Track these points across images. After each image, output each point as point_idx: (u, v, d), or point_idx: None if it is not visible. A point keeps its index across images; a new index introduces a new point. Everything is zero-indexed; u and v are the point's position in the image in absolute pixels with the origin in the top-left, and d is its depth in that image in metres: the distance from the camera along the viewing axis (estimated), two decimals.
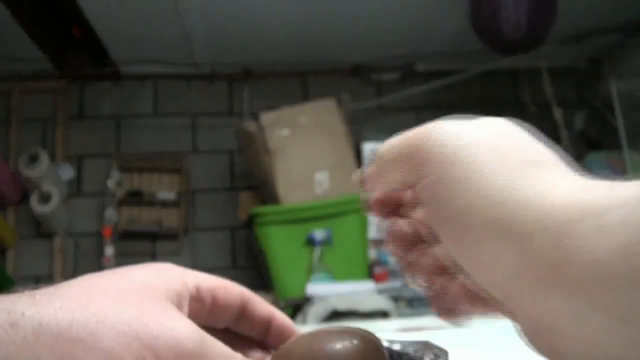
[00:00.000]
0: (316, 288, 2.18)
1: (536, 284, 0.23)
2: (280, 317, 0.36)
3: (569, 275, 0.22)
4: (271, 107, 2.54)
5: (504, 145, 0.29)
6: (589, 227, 0.22)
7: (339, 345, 0.32)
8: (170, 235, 2.87)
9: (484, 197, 0.26)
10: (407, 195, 0.33)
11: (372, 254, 2.49)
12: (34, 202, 2.66)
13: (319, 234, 2.32)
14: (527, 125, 0.32)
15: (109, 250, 2.75)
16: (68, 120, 2.97)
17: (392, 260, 2.30)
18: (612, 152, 2.61)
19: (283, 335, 0.36)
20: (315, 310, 2.04)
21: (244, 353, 0.34)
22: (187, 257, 2.85)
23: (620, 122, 2.53)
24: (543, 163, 0.28)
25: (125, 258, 2.75)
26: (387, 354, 0.33)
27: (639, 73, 2.72)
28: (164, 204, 2.89)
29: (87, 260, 2.83)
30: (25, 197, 2.77)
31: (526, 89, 2.42)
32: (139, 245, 2.87)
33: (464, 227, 0.26)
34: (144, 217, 2.89)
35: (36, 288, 0.27)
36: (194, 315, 0.31)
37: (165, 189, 2.92)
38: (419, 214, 0.32)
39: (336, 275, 2.28)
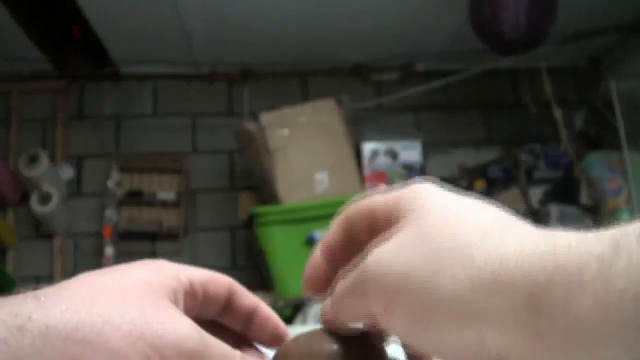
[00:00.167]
0: None
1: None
2: (265, 310, 0.36)
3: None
4: (271, 107, 2.54)
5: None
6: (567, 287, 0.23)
7: (338, 345, 0.32)
8: (170, 235, 2.87)
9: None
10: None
11: None
12: (34, 203, 2.66)
13: (319, 234, 2.32)
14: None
15: (109, 251, 2.75)
16: (68, 121, 2.97)
17: None
18: (612, 152, 2.61)
19: (264, 328, 0.36)
20: (315, 310, 2.04)
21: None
22: (187, 257, 2.85)
23: (620, 122, 2.53)
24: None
25: (125, 258, 2.74)
26: (385, 353, 0.33)
27: (639, 73, 2.72)
28: (164, 204, 2.89)
29: (87, 260, 2.83)
30: (25, 197, 2.77)
31: (526, 89, 2.42)
32: (139, 245, 2.87)
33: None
34: (144, 217, 2.89)
35: (37, 288, 0.27)
36: (187, 310, 0.31)
37: (165, 189, 2.92)
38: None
39: None
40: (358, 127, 2.84)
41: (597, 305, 0.21)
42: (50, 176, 2.70)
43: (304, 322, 2.03)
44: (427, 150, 3.00)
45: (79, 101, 3.03)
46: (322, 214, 2.35)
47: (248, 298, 0.36)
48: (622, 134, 2.51)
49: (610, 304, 0.21)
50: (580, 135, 2.87)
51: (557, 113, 2.29)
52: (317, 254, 0.36)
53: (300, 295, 2.24)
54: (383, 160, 2.87)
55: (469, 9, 2.26)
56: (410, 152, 2.89)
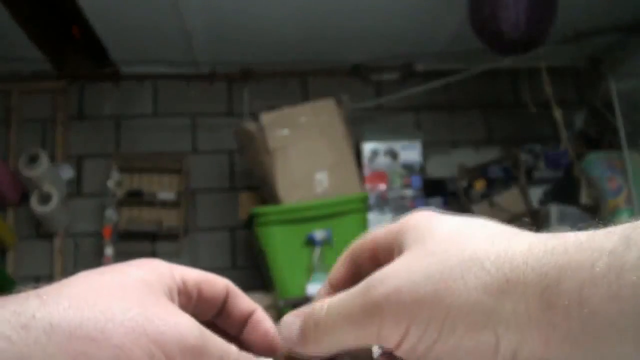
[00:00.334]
0: (316, 288, 2.18)
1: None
2: (260, 314, 0.36)
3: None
4: (271, 107, 2.54)
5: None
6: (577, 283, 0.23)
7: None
8: (170, 235, 2.87)
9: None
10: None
11: None
12: (34, 203, 2.66)
13: (319, 234, 2.32)
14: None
15: (109, 251, 2.75)
16: (68, 121, 2.97)
17: None
18: (612, 152, 2.61)
19: (257, 333, 0.36)
20: None
21: None
22: (187, 258, 2.85)
23: (620, 122, 2.53)
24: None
25: (125, 258, 2.70)
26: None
27: (639, 73, 2.72)
28: (164, 204, 2.89)
29: (87, 260, 2.83)
30: (25, 197, 2.77)
31: (526, 89, 2.42)
32: (139, 245, 2.87)
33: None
34: (144, 217, 2.89)
35: (37, 287, 0.27)
36: (182, 308, 0.31)
37: (165, 189, 2.92)
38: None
39: None
40: (358, 127, 2.84)
41: (611, 300, 0.21)
42: (50, 176, 2.70)
43: None
44: (427, 150, 3.00)
45: (79, 101, 3.03)
46: (322, 214, 2.35)
47: (244, 301, 0.36)
48: (622, 134, 2.51)
49: (624, 297, 0.21)
50: (580, 135, 2.87)
51: (557, 113, 2.29)
52: (321, 291, 0.36)
53: (300, 295, 2.24)
54: (383, 160, 2.87)
55: (469, 9, 2.26)
56: (410, 152, 2.89)
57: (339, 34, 2.73)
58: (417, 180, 2.87)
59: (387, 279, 0.28)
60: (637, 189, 2.47)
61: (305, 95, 3.07)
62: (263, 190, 2.60)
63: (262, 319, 0.36)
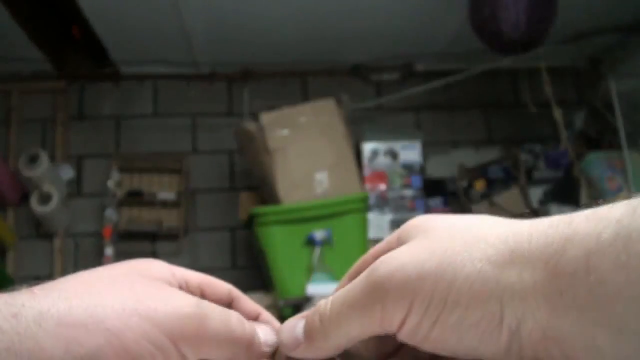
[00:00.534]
0: (316, 288, 2.18)
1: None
2: (267, 316, 0.36)
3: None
4: (271, 107, 2.54)
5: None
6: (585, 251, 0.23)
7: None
8: (170, 235, 2.87)
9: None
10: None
11: None
12: (34, 202, 2.66)
13: (319, 234, 2.32)
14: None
15: (109, 251, 2.75)
16: (68, 121, 2.97)
17: None
18: (612, 152, 2.61)
19: None
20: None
21: None
22: (187, 257, 2.85)
23: (620, 122, 2.53)
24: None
25: (125, 258, 2.70)
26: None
27: (639, 73, 2.72)
28: (164, 204, 2.89)
29: (87, 260, 2.83)
30: (25, 197, 2.77)
31: (526, 89, 2.42)
32: (139, 245, 2.87)
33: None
34: (144, 217, 2.89)
35: (34, 285, 0.28)
36: None
37: (165, 189, 2.92)
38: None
39: (336, 275, 2.28)
40: (358, 127, 2.84)
41: (619, 269, 0.21)
42: (50, 176, 2.70)
43: None
44: (427, 150, 3.00)
45: (79, 101, 3.03)
46: (322, 214, 2.35)
47: (249, 304, 0.36)
48: (622, 134, 2.51)
49: (632, 267, 0.21)
50: (580, 135, 2.87)
51: (557, 113, 2.29)
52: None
53: (300, 295, 2.24)
54: (383, 160, 2.87)
55: (469, 9, 2.26)
56: (410, 152, 2.89)
57: (339, 34, 2.73)
58: (417, 180, 2.87)
59: (390, 260, 0.27)
60: (637, 189, 2.47)
61: (305, 95, 3.07)
62: (263, 190, 2.60)
63: (269, 319, 0.36)
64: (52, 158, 2.84)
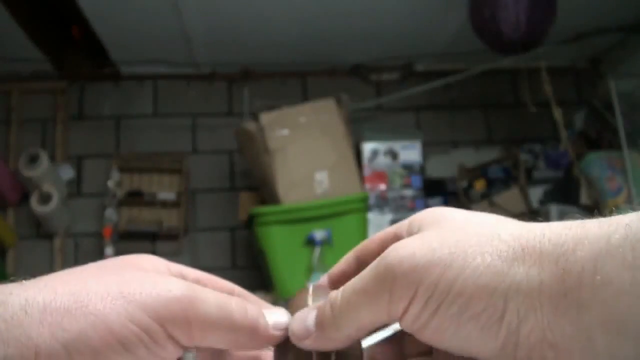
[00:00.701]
0: None
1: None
2: (271, 307, 0.36)
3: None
4: (271, 107, 2.54)
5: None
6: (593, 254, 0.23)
7: None
8: (170, 235, 2.87)
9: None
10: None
11: None
12: (34, 203, 2.66)
13: (319, 234, 2.32)
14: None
15: (109, 250, 2.75)
16: (68, 121, 2.97)
17: None
18: (612, 152, 2.61)
19: None
20: None
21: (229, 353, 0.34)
22: (187, 257, 2.85)
23: (620, 122, 2.53)
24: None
25: None
26: None
27: (639, 73, 2.72)
28: (164, 204, 2.89)
29: (87, 260, 2.77)
30: (25, 197, 2.77)
31: (526, 89, 2.42)
32: (139, 245, 2.87)
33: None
34: (144, 217, 2.89)
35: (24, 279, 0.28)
36: None
37: (165, 189, 2.92)
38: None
39: None
40: (358, 127, 2.84)
41: (625, 269, 0.22)
42: (50, 176, 2.70)
43: None
44: (427, 150, 3.00)
45: (79, 101, 3.03)
46: (322, 214, 2.35)
47: (253, 306, 0.36)
48: (622, 133, 2.51)
49: (638, 267, 0.21)
50: (580, 135, 2.87)
51: (557, 113, 2.29)
52: (324, 278, 0.35)
53: None
54: (383, 160, 2.87)
55: (469, 9, 2.26)
56: (410, 152, 2.89)
57: (339, 34, 2.73)
58: (417, 180, 2.87)
59: (401, 247, 0.27)
60: (637, 188, 2.47)
61: (305, 95, 3.07)
62: (263, 190, 2.60)
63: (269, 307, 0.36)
64: (52, 158, 2.84)
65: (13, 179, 2.75)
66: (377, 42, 2.84)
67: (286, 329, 0.31)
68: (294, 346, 0.31)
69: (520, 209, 2.62)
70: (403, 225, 0.31)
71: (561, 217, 2.45)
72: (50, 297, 0.26)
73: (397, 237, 0.32)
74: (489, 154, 3.01)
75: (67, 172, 2.87)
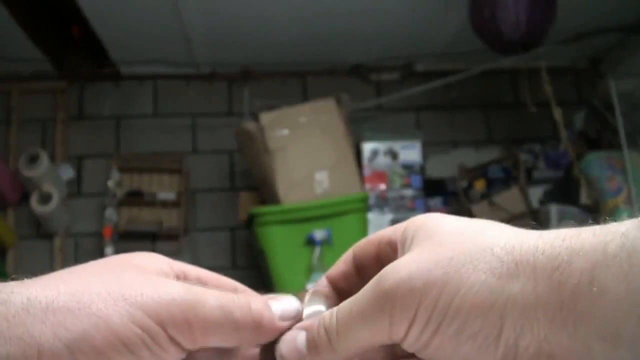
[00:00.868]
0: None
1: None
2: (280, 296, 0.36)
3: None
4: (271, 107, 2.54)
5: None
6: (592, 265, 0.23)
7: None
8: (170, 235, 2.87)
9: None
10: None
11: None
12: (34, 202, 2.66)
13: (319, 233, 2.32)
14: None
15: (109, 250, 2.75)
16: (68, 121, 2.97)
17: None
18: (612, 152, 2.61)
19: None
20: None
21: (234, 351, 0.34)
22: (187, 257, 2.85)
23: (619, 121, 2.53)
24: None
25: None
26: None
27: (639, 73, 2.72)
28: (164, 204, 2.89)
29: (87, 260, 2.78)
30: (25, 197, 2.77)
31: (526, 89, 2.42)
32: (139, 245, 2.87)
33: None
34: (144, 217, 2.89)
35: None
36: None
37: (165, 189, 2.92)
38: None
39: None
40: (358, 127, 2.84)
41: (621, 278, 0.21)
42: (50, 176, 2.70)
43: None
44: (427, 150, 3.00)
45: (79, 101, 3.03)
46: (322, 214, 2.35)
47: (258, 299, 0.36)
48: (622, 133, 2.51)
49: (634, 276, 0.21)
50: (580, 135, 2.87)
51: (557, 113, 2.29)
52: (322, 281, 0.35)
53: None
54: (383, 160, 2.87)
55: (469, 9, 2.26)
56: (410, 152, 2.89)
57: (339, 34, 2.73)
58: (417, 180, 2.87)
59: (397, 269, 0.27)
60: (637, 188, 2.47)
61: (305, 95, 3.07)
62: (263, 190, 2.60)
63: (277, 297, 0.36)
64: (52, 158, 2.83)
65: (13, 179, 2.75)
66: (377, 42, 2.84)
67: (296, 317, 0.31)
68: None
69: (520, 209, 2.62)
70: (397, 230, 0.31)
71: (561, 217, 2.45)
72: (53, 297, 0.26)
73: (391, 243, 0.32)
74: (489, 154, 3.01)
75: (67, 172, 2.87)
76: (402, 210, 2.81)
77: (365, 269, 0.34)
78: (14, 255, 2.78)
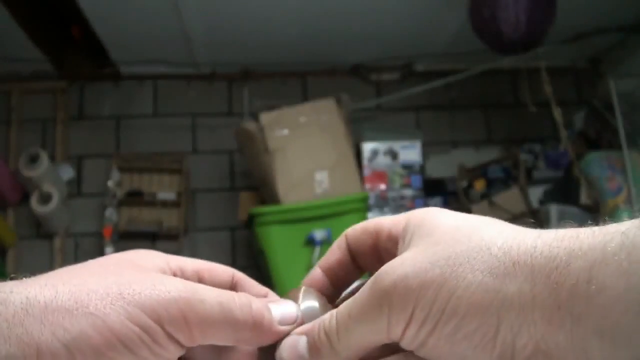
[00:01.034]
0: None
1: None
2: (274, 297, 0.36)
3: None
4: (271, 107, 2.54)
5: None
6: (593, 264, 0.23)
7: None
8: (170, 235, 2.87)
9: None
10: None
11: None
12: (34, 202, 2.66)
13: (318, 233, 2.32)
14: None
15: (109, 251, 2.75)
16: (68, 120, 2.97)
17: None
18: (612, 152, 2.61)
19: None
20: None
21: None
22: (187, 257, 2.84)
23: (619, 121, 2.53)
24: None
25: None
26: None
27: (638, 73, 2.72)
28: (164, 204, 2.89)
29: (87, 260, 2.82)
30: (25, 197, 2.77)
31: (526, 89, 2.42)
32: (139, 245, 2.84)
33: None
34: (144, 217, 2.89)
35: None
36: None
37: (165, 189, 2.92)
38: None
39: None
40: (358, 127, 2.84)
41: (620, 276, 0.21)
42: (50, 176, 2.70)
43: None
44: (427, 150, 3.00)
45: (79, 101, 3.03)
46: (322, 214, 2.35)
47: (255, 287, 0.35)
48: (622, 133, 2.51)
49: (633, 273, 0.21)
50: (580, 135, 2.87)
51: (557, 113, 2.29)
52: (317, 271, 0.35)
53: None
54: (383, 160, 2.87)
55: (469, 9, 2.26)
56: (410, 152, 2.89)
57: (339, 34, 2.73)
58: (417, 180, 2.87)
59: (394, 269, 0.27)
60: (637, 188, 2.47)
61: (305, 95, 3.07)
62: (263, 190, 2.60)
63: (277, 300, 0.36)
64: (52, 158, 2.83)
65: (13, 179, 2.75)
66: (377, 42, 2.84)
67: (294, 323, 0.31)
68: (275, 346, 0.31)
69: (520, 209, 2.62)
70: (398, 224, 0.31)
71: (561, 217, 2.45)
72: (51, 296, 0.26)
73: (391, 237, 0.32)
74: (489, 154, 3.01)
75: (67, 172, 2.87)
76: (402, 210, 2.81)
77: (360, 257, 0.34)
78: (14, 255, 2.78)
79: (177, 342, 0.28)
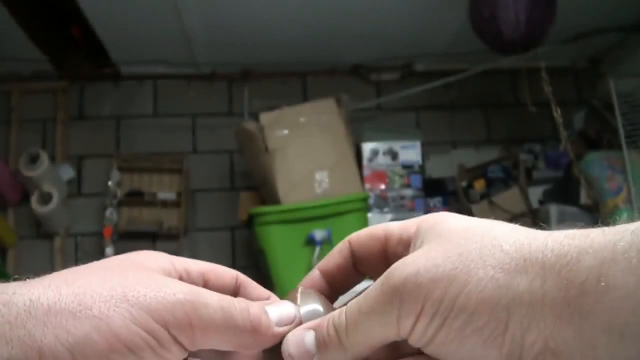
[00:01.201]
0: None
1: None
2: (276, 300, 0.35)
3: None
4: (271, 107, 2.54)
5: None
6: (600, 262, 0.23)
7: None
8: (170, 235, 2.87)
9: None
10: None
11: None
12: (34, 202, 2.66)
13: (319, 233, 2.32)
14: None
15: (109, 250, 2.75)
16: (68, 121, 2.97)
17: None
18: (612, 152, 2.61)
19: None
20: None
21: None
22: (187, 257, 2.84)
23: (619, 121, 2.53)
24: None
25: None
26: None
27: (638, 73, 2.72)
28: (164, 204, 2.89)
29: (87, 260, 2.79)
30: (25, 197, 2.77)
31: (526, 89, 2.42)
32: (139, 245, 2.87)
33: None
34: (144, 217, 2.89)
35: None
36: None
37: (165, 189, 2.92)
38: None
39: None
40: (358, 127, 2.84)
41: (630, 273, 0.21)
42: (50, 176, 2.70)
43: None
44: (427, 150, 3.00)
45: (79, 101, 3.03)
46: (322, 214, 2.35)
47: (257, 290, 0.35)
48: (622, 133, 2.51)
49: None
50: (580, 135, 2.87)
51: (557, 113, 2.29)
52: (315, 274, 0.35)
53: None
54: (383, 160, 2.87)
55: (469, 9, 2.26)
56: (410, 151, 2.89)
57: (339, 34, 2.73)
58: (417, 180, 2.87)
59: (406, 265, 0.27)
60: (637, 188, 2.47)
61: (305, 95, 3.07)
62: (263, 190, 2.60)
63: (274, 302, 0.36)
64: (52, 158, 2.84)
65: (13, 179, 2.75)
66: (377, 42, 2.84)
67: (293, 322, 0.31)
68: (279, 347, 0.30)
69: (520, 209, 2.62)
70: (409, 228, 0.31)
71: (561, 217, 2.45)
72: (55, 298, 0.26)
73: (402, 241, 0.31)
74: (488, 154, 3.01)
75: (67, 172, 2.87)
76: (402, 210, 2.81)
77: (365, 263, 0.34)
78: (14, 255, 2.78)
79: (181, 346, 0.28)
